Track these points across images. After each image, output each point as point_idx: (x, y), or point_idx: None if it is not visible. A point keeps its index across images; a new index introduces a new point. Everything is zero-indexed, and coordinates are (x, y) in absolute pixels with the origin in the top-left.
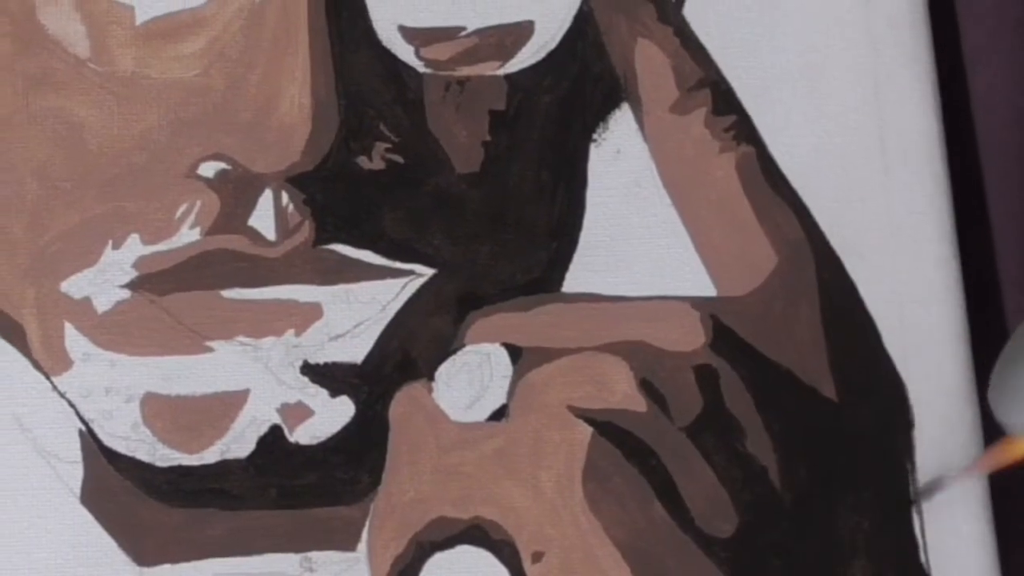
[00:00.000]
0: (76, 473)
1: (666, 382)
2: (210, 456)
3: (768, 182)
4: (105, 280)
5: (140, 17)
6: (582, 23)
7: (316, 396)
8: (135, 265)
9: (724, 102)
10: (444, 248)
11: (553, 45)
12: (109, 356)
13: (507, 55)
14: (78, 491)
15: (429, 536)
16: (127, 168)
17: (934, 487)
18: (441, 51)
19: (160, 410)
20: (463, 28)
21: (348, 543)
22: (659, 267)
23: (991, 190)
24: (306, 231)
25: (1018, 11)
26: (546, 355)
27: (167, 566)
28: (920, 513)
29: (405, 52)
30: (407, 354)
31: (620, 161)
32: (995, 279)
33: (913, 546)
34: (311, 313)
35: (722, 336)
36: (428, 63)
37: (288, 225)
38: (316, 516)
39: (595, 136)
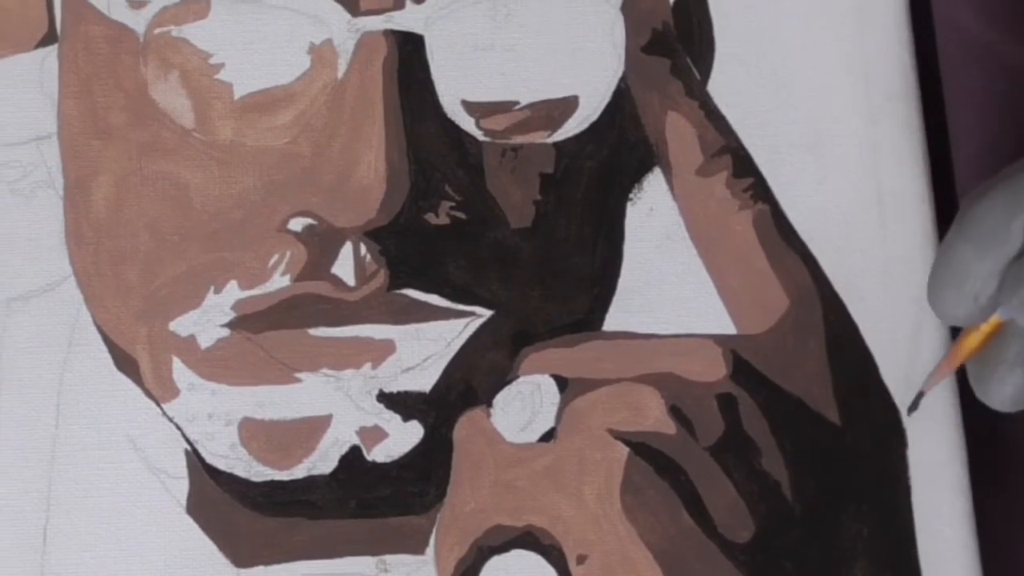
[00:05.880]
0: (182, 487)
1: (692, 408)
2: (298, 472)
3: (781, 235)
4: (208, 320)
5: (238, 92)
6: (620, 98)
7: (390, 420)
8: (234, 307)
9: (742, 166)
10: (500, 292)
11: (595, 117)
12: (211, 386)
13: (555, 125)
14: (184, 503)
15: (488, 541)
16: (227, 223)
17: (918, 400)
18: (498, 122)
19: (255, 432)
20: (517, 102)
21: (418, 547)
22: (686, 309)
23: None
24: (381, 278)
25: (998, 89)
26: (589, 385)
27: (261, 568)
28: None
29: (467, 123)
30: (469, 384)
31: (653, 217)
32: None
33: (908, 548)
34: (386, 348)
35: (741, 369)
36: (487, 132)
37: (366, 273)
38: (390, 524)
39: (631, 196)
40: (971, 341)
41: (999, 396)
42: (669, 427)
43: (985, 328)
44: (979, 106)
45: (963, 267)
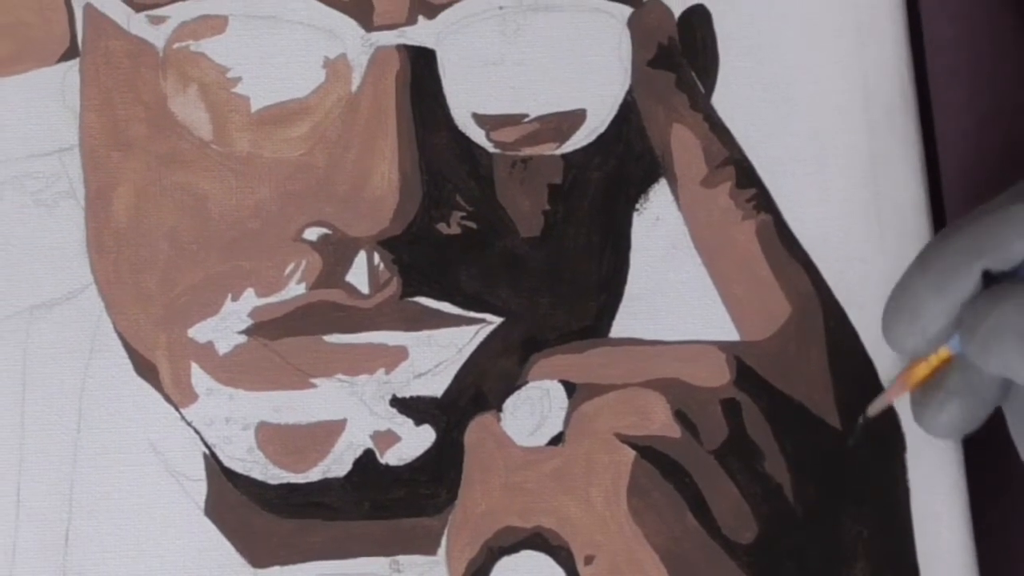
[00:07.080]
0: (201, 489)
1: (697, 413)
2: (314, 475)
3: (783, 244)
4: (225, 327)
5: (255, 105)
6: (626, 111)
7: (403, 425)
8: (251, 314)
9: (746, 177)
10: (510, 300)
11: (602, 129)
12: (229, 391)
13: (563, 138)
14: (202, 505)
15: (498, 542)
16: (244, 233)
17: (862, 425)
18: (508, 134)
19: (271, 436)
20: (526, 115)
21: (430, 548)
22: (691, 316)
23: None
24: (394, 286)
25: (985, 106)
26: (596, 390)
27: (277, 568)
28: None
29: (478, 135)
30: (479, 389)
31: (659, 227)
32: None
33: (906, 549)
34: (399, 355)
35: (744, 374)
36: (497, 144)
37: (379, 281)
38: (403, 525)
39: (637, 206)
40: (919, 371)
41: (935, 423)
42: (674, 431)
43: (934, 360)
44: (965, 121)
45: (918, 303)
